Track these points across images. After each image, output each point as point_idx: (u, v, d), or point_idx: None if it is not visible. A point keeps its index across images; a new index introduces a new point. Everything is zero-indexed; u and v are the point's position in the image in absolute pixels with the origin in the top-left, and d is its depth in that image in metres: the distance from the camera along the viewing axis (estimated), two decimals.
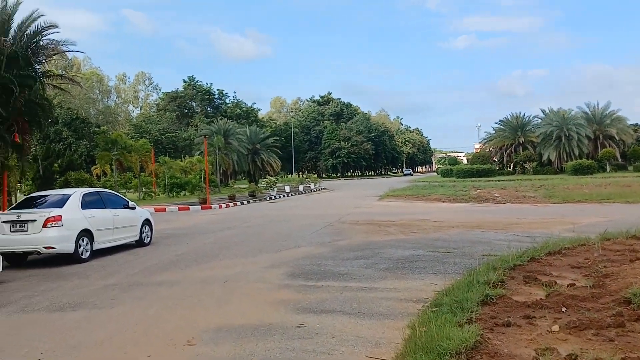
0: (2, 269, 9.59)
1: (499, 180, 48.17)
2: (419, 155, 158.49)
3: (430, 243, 12.24)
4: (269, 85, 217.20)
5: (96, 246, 12.17)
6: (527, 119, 69.19)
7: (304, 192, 46.32)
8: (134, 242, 13.87)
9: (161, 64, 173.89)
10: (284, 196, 40.48)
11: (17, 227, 11.12)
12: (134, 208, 13.84)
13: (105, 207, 12.79)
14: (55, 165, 32.57)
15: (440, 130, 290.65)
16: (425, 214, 19.82)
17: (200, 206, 29.31)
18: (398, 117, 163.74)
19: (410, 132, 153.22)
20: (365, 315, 6.39)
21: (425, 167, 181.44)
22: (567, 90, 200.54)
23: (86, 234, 11.84)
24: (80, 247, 11.60)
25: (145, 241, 14.17)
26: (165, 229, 17.99)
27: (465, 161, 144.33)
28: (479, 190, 29.41)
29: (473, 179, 56.10)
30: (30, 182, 31.56)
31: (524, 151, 65.65)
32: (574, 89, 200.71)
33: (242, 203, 32.61)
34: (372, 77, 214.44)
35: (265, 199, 37.01)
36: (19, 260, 11.77)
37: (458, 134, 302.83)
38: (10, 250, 11.19)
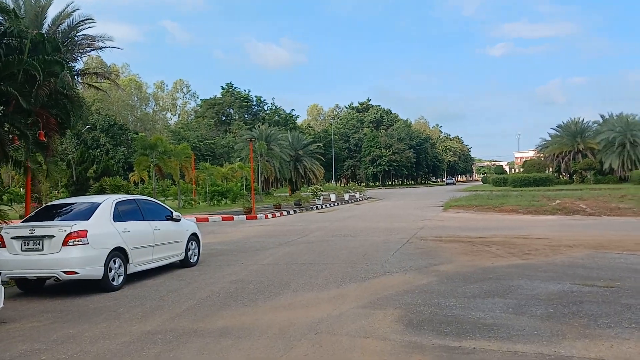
0: (2, 304, 6.92)
1: (562, 190, 44.28)
2: (460, 164, 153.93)
3: (568, 272, 9.15)
4: (305, 93, 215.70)
5: (132, 269, 9.51)
6: (586, 124, 64.70)
7: (350, 202, 43.39)
8: (178, 262, 11.20)
9: (198, 74, 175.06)
10: (330, 205, 37.64)
11: (31, 245, 8.52)
12: (178, 219, 11.18)
13: (143, 219, 10.15)
14: (91, 170, 30.50)
15: (478, 139, 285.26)
16: (517, 229, 16.65)
17: (245, 216, 26.71)
18: (437, 125, 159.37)
19: (451, 140, 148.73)
20: None
21: (466, 177, 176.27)
22: (608, 98, 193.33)
23: (119, 253, 9.19)
24: (111, 272, 8.94)
25: (191, 261, 11.50)
26: (211, 243, 15.34)
27: (508, 170, 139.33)
28: (559, 201, 25.99)
29: (530, 188, 52.19)
30: (64, 188, 29.54)
31: (583, 159, 61.19)
32: (616, 96, 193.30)
33: (288, 213, 29.89)
34: (409, 85, 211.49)
35: (312, 208, 34.23)
36: (33, 287, 9.20)
37: (497, 143, 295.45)
38: (21, 275, 8.62)
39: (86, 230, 8.63)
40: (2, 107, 12.92)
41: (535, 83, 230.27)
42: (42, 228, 8.55)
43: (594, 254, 11.06)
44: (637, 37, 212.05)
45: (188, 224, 11.77)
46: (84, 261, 8.52)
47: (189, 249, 11.48)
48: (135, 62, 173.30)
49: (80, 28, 25.83)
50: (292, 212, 30.57)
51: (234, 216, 26.52)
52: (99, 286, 8.87)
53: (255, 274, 10.02)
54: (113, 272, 9.01)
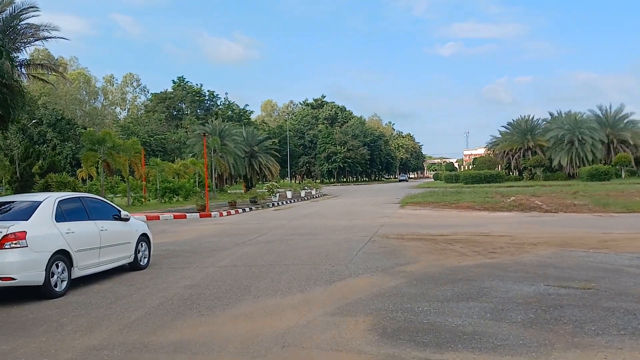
0: None
1: (513, 187, 45.08)
2: (412, 161, 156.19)
3: (539, 272, 8.88)
4: (259, 89, 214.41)
5: (76, 273, 8.69)
6: (535, 122, 66.25)
7: (306, 199, 42.94)
8: (127, 265, 10.41)
9: (149, 68, 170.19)
10: (287, 202, 37.06)
11: None
12: (127, 219, 10.37)
13: (89, 219, 9.32)
14: (36, 166, 28.87)
15: (428, 137, 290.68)
16: (477, 226, 16.52)
17: (198, 214, 25.82)
18: (390, 122, 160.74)
19: (403, 137, 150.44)
20: None
21: (417, 173, 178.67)
22: (553, 97, 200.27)
23: (62, 256, 8.35)
24: (53, 277, 8.11)
25: (141, 263, 10.71)
26: (163, 244, 14.53)
27: (458, 168, 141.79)
28: (514, 198, 26.21)
29: (482, 185, 53.03)
30: (8, 185, 27.81)
31: (533, 156, 62.67)
32: (559, 96, 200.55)
33: (244, 210, 29.14)
34: (361, 83, 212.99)
35: (268, 205, 33.56)
36: None
37: (446, 140, 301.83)
38: None
39: (25, 232, 7.78)
40: None
41: (482, 82, 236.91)
42: None
43: (560, 253, 10.89)
44: (579, 39, 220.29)
45: (138, 223, 10.97)
46: (22, 266, 7.67)
47: (139, 251, 10.68)
48: (84, 55, 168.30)
49: (23, 17, 24.33)
50: (247, 209, 29.84)
51: (187, 214, 25.60)
52: (40, 293, 8.03)
53: (212, 278, 9.35)
54: (55, 277, 8.17)
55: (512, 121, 68.34)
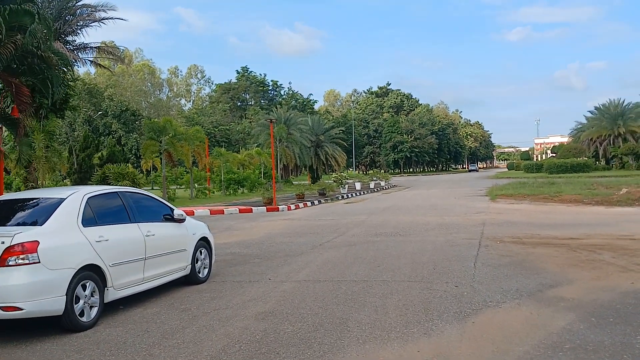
0: None
1: (606, 176, 40.61)
2: (481, 150, 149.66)
3: None
4: (321, 80, 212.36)
5: (112, 295, 6.46)
6: (627, 106, 60.29)
7: (376, 190, 40.20)
8: (182, 277, 8.13)
9: (213, 60, 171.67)
10: (356, 194, 34.47)
11: None
12: (182, 220, 8.09)
13: (130, 221, 7.07)
14: (96, 157, 27.61)
15: (495, 125, 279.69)
16: (607, 226, 13.34)
17: (265, 207, 23.63)
18: (457, 110, 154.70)
19: (471, 125, 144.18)
20: None
21: (486, 163, 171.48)
22: (629, 82, 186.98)
23: (91, 274, 6.13)
24: (78, 302, 5.90)
25: (200, 275, 8.42)
26: (227, 244, 12.31)
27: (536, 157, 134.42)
28: (626, 189, 22.49)
29: (568, 174, 48.48)
30: (66, 176, 26.69)
31: (624, 143, 57.04)
32: (637, 81, 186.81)
33: (313, 203, 26.77)
34: (425, 71, 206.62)
35: (338, 198, 31.08)
36: None
37: (515, 129, 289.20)
38: None
39: (37, 242, 5.57)
40: None
41: (553, 68, 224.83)
42: None
43: None
44: None
45: (196, 225, 8.66)
46: (32, 290, 5.47)
47: (197, 260, 8.40)
48: (149, 49, 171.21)
49: None
50: (316, 202, 27.46)
51: (253, 207, 23.48)
52: (61, 324, 5.84)
53: (290, 301, 6.90)
54: (81, 302, 5.96)
55: (599, 106, 62.77)
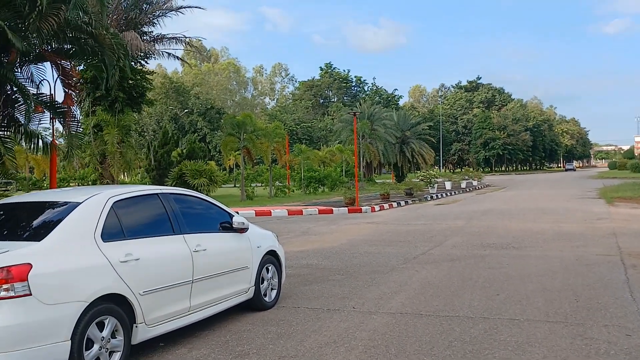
0: None
1: None
2: (578, 149, 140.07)
3: None
4: (406, 76, 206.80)
5: (144, 333, 4.78)
6: None
7: (468, 190, 37.27)
8: (244, 302, 6.35)
9: (297, 59, 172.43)
10: (447, 195, 31.87)
11: None
12: (243, 229, 6.32)
13: (173, 232, 5.37)
14: (175, 153, 26.90)
15: (592, 122, 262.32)
16: None
17: (346, 208, 21.74)
18: (552, 106, 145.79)
19: (567, 122, 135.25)
20: None
21: (583, 162, 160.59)
22: None
23: (112, 307, 4.46)
24: (91, 348, 4.23)
25: (266, 299, 6.63)
26: (303, 253, 10.55)
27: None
28: None
29: None
30: (145, 173, 26.14)
31: None
32: None
33: (399, 204, 24.59)
34: (517, 65, 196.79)
35: (427, 198, 28.66)
36: None
37: (613, 126, 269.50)
38: None
39: (28, 265, 3.93)
40: None
41: None
42: None
43: None
44: None
45: (261, 235, 6.86)
46: (18, 335, 3.83)
47: (263, 279, 6.61)
48: (234, 48, 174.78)
49: None
50: (403, 203, 25.25)
51: (334, 208, 21.65)
52: None
53: (384, 349, 4.93)
54: (96, 348, 4.29)
55: None
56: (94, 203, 4.77)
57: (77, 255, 4.35)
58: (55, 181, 10.31)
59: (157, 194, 5.57)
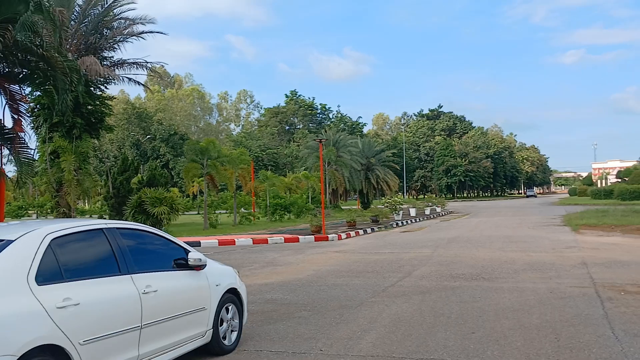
0: None
1: None
2: (538, 175, 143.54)
3: None
4: (369, 104, 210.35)
5: None
6: None
7: (432, 217, 37.29)
8: (199, 346, 5.79)
9: (262, 86, 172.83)
10: (412, 221, 31.76)
11: None
12: (200, 266, 5.79)
13: (119, 272, 4.81)
14: (134, 180, 26.03)
15: (550, 149, 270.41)
16: None
17: (313, 236, 21.28)
18: (512, 133, 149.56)
19: (527, 149, 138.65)
20: None
21: (543, 189, 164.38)
22: None
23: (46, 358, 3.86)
24: None
25: (225, 343, 6.08)
26: (267, 286, 10.03)
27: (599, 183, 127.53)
28: None
29: None
30: (104, 201, 25.14)
31: None
32: None
33: (365, 232, 24.28)
34: (477, 94, 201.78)
35: (392, 225, 28.46)
36: None
37: (570, 154, 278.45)
38: None
39: None
40: None
41: (609, 91, 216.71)
42: None
43: None
44: None
45: (220, 271, 6.34)
46: None
47: (222, 321, 6.07)
48: (199, 75, 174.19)
49: (116, 11, 21.43)
50: (369, 230, 24.95)
51: (300, 236, 21.15)
52: None
53: None
54: None
55: None
56: (28, 241, 4.21)
57: (6, 301, 3.77)
58: (3, 211, 9.53)
59: (102, 229, 5.01)
